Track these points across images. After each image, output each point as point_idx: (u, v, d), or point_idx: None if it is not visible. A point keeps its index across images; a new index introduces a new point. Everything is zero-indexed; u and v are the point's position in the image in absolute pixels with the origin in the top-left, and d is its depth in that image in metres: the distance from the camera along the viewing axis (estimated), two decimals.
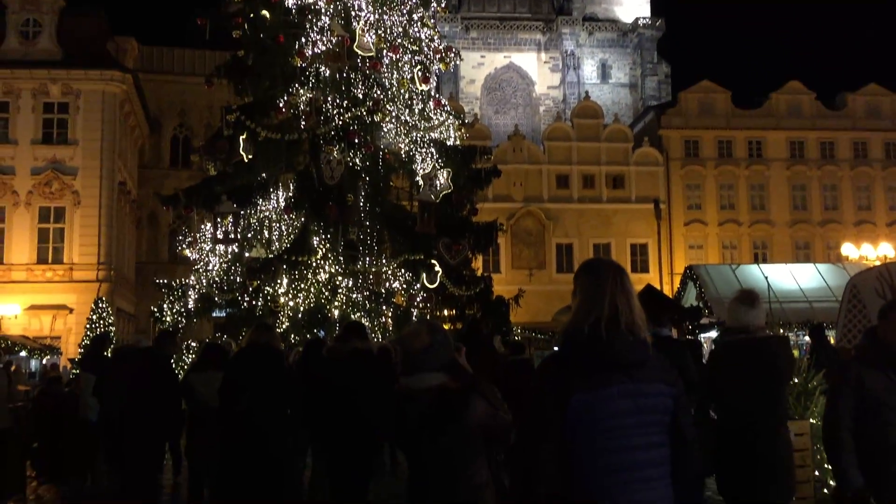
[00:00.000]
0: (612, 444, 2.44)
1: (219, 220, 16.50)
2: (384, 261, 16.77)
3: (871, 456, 3.67)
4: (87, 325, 25.02)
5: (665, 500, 2.52)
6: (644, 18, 64.74)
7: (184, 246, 17.87)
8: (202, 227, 17.84)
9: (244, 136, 16.05)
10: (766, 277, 19.36)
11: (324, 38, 16.05)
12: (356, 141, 15.95)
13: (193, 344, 15.93)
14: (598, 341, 2.47)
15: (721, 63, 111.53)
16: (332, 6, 16.23)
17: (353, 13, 16.33)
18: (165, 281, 18.67)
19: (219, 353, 6.89)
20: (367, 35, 16.09)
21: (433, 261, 16.64)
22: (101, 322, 24.76)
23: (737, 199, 43.84)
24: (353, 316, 15.33)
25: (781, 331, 12.33)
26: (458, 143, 18.75)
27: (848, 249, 28.04)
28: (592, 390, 2.44)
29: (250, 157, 16.20)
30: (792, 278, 20.50)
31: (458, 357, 3.00)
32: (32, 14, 30.26)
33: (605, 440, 2.44)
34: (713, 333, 19.09)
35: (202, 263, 17.55)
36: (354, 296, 15.89)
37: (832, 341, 10.98)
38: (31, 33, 30.24)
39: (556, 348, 3.22)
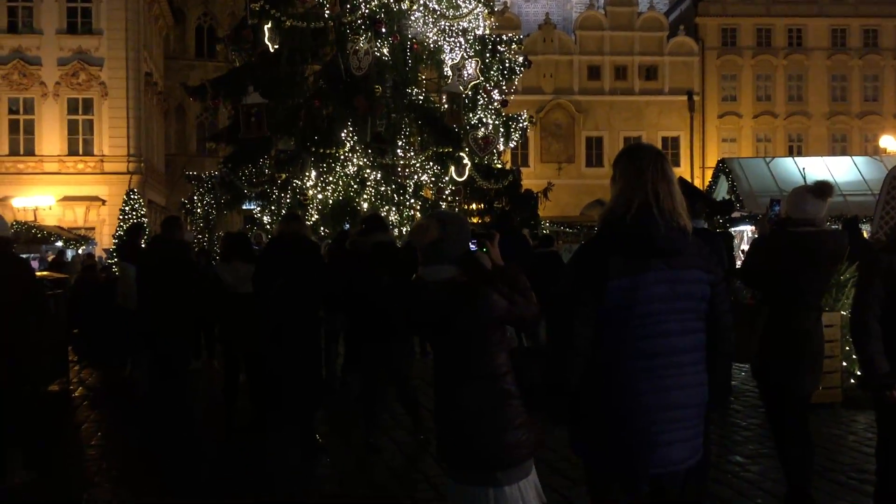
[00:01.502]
0: (648, 329, 2.45)
1: (246, 111, 16.40)
2: (412, 153, 16.67)
3: None
4: (120, 217, 25.39)
5: (698, 387, 2.54)
6: None
7: (213, 139, 17.86)
8: (230, 119, 17.77)
9: (269, 26, 15.75)
10: (802, 170, 18.99)
11: None
12: (383, 30, 15.60)
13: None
14: (639, 227, 2.44)
15: None
16: None
17: None
18: (195, 173, 18.77)
19: (242, 243, 6.94)
20: None
21: (462, 153, 16.52)
22: (134, 214, 25.10)
23: (773, 91, 42.66)
24: (381, 209, 15.38)
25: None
26: (487, 32, 18.27)
27: (887, 142, 27.37)
28: (631, 275, 2.42)
29: (276, 46, 15.94)
30: (827, 171, 20.06)
31: (488, 246, 2.97)
32: None
33: (641, 326, 2.44)
34: (744, 227, 18.92)
35: (231, 156, 17.56)
36: (383, 188, 15.90)
37: (866, 235, 10.84)
38: None
39: (582, 243, 3.20)
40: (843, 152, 38.35)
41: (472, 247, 2.98)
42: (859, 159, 22.87)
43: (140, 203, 26.12)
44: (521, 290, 2.89)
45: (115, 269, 13.96)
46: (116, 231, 25.19)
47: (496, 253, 2.97)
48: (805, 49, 42.57)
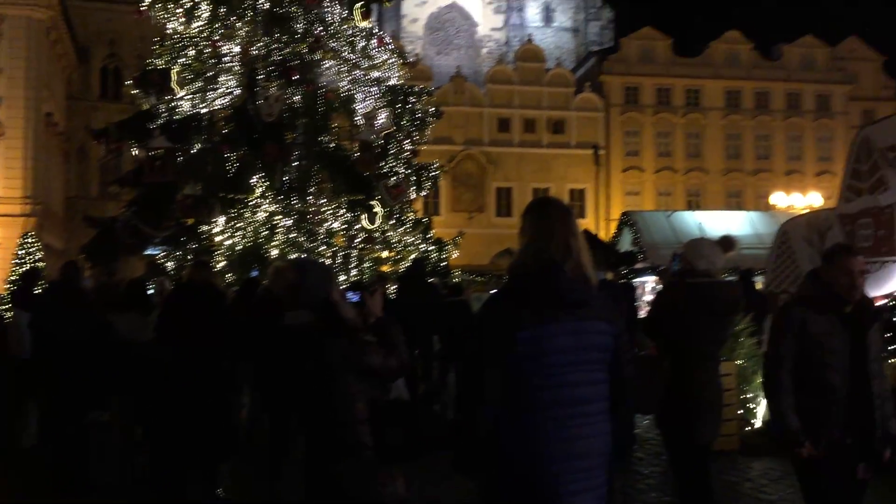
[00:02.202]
0: (554, 380, 2.49)
1: (151, 156, 16.02)
2: (324, 200, 16.58)
3: (809, 399, 3.74)
4: (14, 261, 24.27)
5: (602, 436, 2.59)
6: None
7: (115, 182, 17.36)
8: (134, 162, 17.33)
9: (177, 69, 15.53)
10: (700, 224, 19.81)
11: None
12: (295, 78, 15.59)
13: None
14: (547, 280, 2.50)
15: (663, 10, 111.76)
16: None
17: None
18: (96, 217, 18.15)
19: (142, 292, 6.71)
20: None
21: (373, 202, 16.54)
22: (29, 258, 24.03)
23: (673, 147, 44.56)
24: (290, 256, 15.18)
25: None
26: (399, 82, 18.49)
27: (778, 198, 28.84)
28: (539, 326, 2.48)
29: (184, 91, 15.71)
30: (724, 225, 20.99)
31: (366, 298, 2.98)
32: None
33: (547, 376, 2.49)
34: (647, 278, 19.51)
35: (134, 199, 17.08)
36: (293, 235, 15.72)
37: (758, 286, 11.33)
38: None
39: (493, 291, 3.25)
40: (739, 207, 40.21)
41: (355, 297, 2.99)
42: (753, 214, 24.04)
43: (36, 247, 25.04)
44: (388, 344, 2.90)
45: (6, 315, 13.28)
46: (9, 276, 24.04)
47: (374, 304, 2.99)
48: (702, 109, 44.74)
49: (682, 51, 45.21)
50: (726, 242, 4.63)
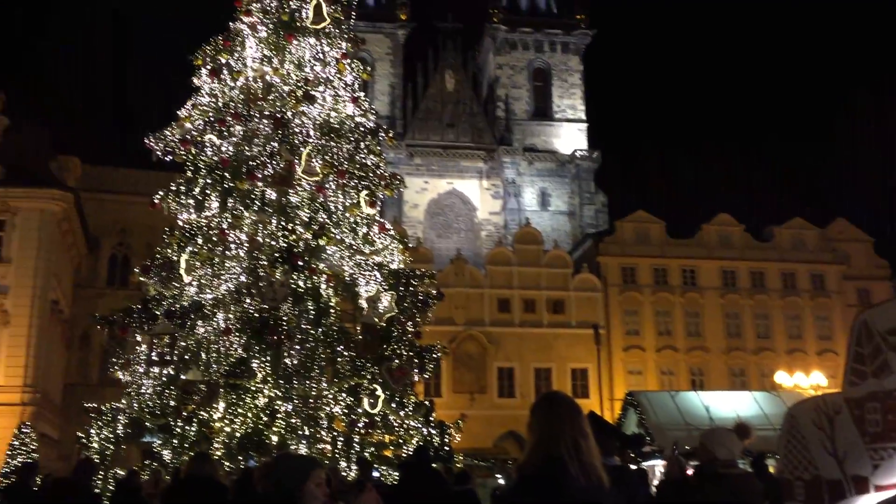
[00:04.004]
0: None
1: (155, 341, 16.09)
2: (325, 385, 16.47)
3: None
4: (9, 452, 23.71)
5: None
6: (581, 150, 67.47)
7: (117, 368, 17.31)
8: (137, 348, 17.37)
9: (185, 257, 15.93)
10: (707, 408, 19.55)
11: (271, 162, 16.29)
12: (299, 263, 15.95)
13: (121, 473, 15.17)
14: (555, 481, 2.47)
15: (655, 193, 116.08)
16: (279, 132, 16.56)
17: (300, 139, 16.67)
18: (94, 405, 17.93)
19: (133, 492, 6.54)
20: (314, 160, 16.40)
21: (375, 385, 16.42)
22: (24, 448, 23.51)
23: (673, 326, 44.74)
24: (290, 442, 14.88)
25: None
26: (401, 266, 18.88)
27: (781, 377, 28.63)
28: None
29: (191, 277, 16.03)
30: (730, 406, 20.73)
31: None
32: None
33: None
34: (655, 462, 18.99)
35: (134, 386, 16.96)
36: (293, 420, 15.48)
37: (771, 470, 11.01)
38: None
39: (497, 476, 3.19)
40: (743, 386, 39.86)
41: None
42: (758, 395, 23.80)
43: (31, 437, 24.57)
44: None
45: None
46: (3, 469, 23.40)
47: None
48: (699, 288, 45.35)
49: (675, 232, 46.46)
50: (742, 430, 4.64)
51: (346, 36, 18.19)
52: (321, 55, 17.59)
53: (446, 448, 18.28)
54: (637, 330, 44.30)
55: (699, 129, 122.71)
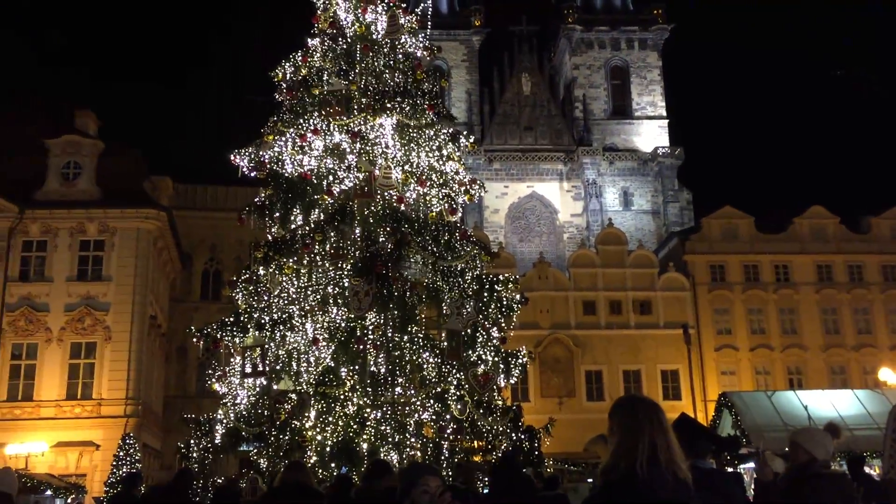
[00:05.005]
0: None
1: (247, 352, 16.54)
2: (412, 391, 16.60)
3: None
4: (114, 463, 24.75)
5: None
6: (663, 148, 66.19)
7: (213, 380, 17.88)
8: (231, 360, 17.88)
9: (272, 270, 16.33)
10: (806, 407, 18.85)
11: (351, 175, 16.55)
12: (383, 272, 16.14)
13: (219, 481, 15.64)
14: (638, 483, 2.44)
15: (742, 188, 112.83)
16: (357, 145, 16.81)
17: (380, 150, 16.88)
18: (193, 416, 18.54)
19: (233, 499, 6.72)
20: (394, 171, 16.59)
21: (462, 391, 16.46)
22: (128, 459, 24.50)
23: (767, 324, 43.34)
24: (381, 449, 15.05)
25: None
26: (484, 271, 18.88)
27: (886, 374, 27.39)
28: None
29: (277, 290, 16.42)
30: (830, 405, 19.96)
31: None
32: (74, 157, 31.59)
33: None
34: (751, 464, 18.43)
35: (230, 397, 17.46)
36: (383, 428, 15.66)
37: (874, 471, 10.54)
38: (71, 175, 31.48)
39: (589, 480, 3.16)
40: (843, 384, 38.27)
41: None
42: (861, 393, 22.81)
43: (135, 448, 25.58)
44: None
45: None
46: (108, 478, 24.44)
47: None
48: (793, 284, 43.81)
49: (764, 227, 45.04)
50: (834, 430, 4.54)
51: (421, 45, 18.37)
52: (398, 65, 17.80)
53: (536, 453, 18.18)
54: (729, 329, 43.10)
55: (784, 117, 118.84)
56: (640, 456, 2.48)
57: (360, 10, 17.74)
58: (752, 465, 18.52)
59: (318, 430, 15.65)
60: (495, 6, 74.25)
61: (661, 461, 2.47)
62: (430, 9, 19.40)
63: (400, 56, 17.85)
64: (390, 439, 15.51)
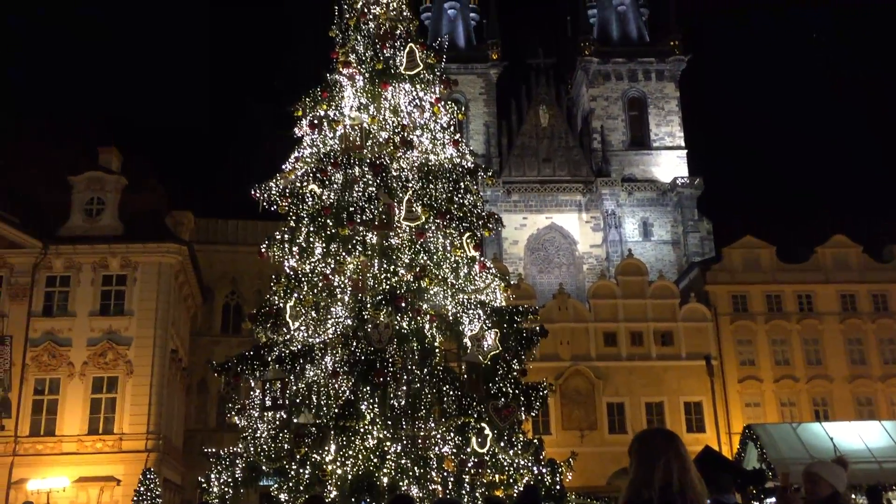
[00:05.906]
0: None
1: (267, 386, 16.56)
2: (432, 425, 16.51)
3: None
4: (135, 498, 24.73)
5: None
6: (682, 178, 66.08)
7: (233, 413, 17.89)
8: (251, 393, 17.90)
9: (291, 304, 16.40)
10: (832, 438, 18.57)
11: (371, 207, 16.65)
12: (403, 305, 16.15)
13: None
14: None
15: (762, 218, 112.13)
16: (378, 178, 16.93)
17: (399, 183, 16.99)
18: (213, 450, 18.53)
19: None
20: (414, 204, 16.68)
21: (483, 424, 16.36)
22: (149, 494, 24.48)
23: (791, 354, 42.80)
24: (401, 483, 14.95)
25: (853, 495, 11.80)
26: (503, 303, 18.85)
27: None
28: None
29: (298, 323, 16.47)
30: (857, 437, 19.64)
31: None
32: (97, 193, 32.04)
33: None
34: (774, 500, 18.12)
35: (250, 431, 17.45)
36: (403, 461, 15.57)
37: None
38: (94, 210, 31.90)
39: None
40: (871, 415, 37.59)
41: None
42: (889, 424, 22.44)
43: (156, 483, 25.57)
44: None
45: None
46: None
47: None
48: (817, 314, 43.30)
49: (786, 257, 44.68)
50: (843, 463, 4.60)
51: (439, 79, 18.55)
52: (416, 100, 17.97)
53: (558, 487, 17.98)
54: (752, 360, 42.59)
55: (804, 146, 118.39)
56: (655, 483, 2.47)
57: (378, 45, 17.98)
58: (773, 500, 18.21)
59: (338, 463, 15.58)
60: (512, 39, 75.03)
61: (675, 488, 2.47)
62: (447, 43, 19.63)
63: (419, 91, 18.03)
64: (411, 473, 15.42)
